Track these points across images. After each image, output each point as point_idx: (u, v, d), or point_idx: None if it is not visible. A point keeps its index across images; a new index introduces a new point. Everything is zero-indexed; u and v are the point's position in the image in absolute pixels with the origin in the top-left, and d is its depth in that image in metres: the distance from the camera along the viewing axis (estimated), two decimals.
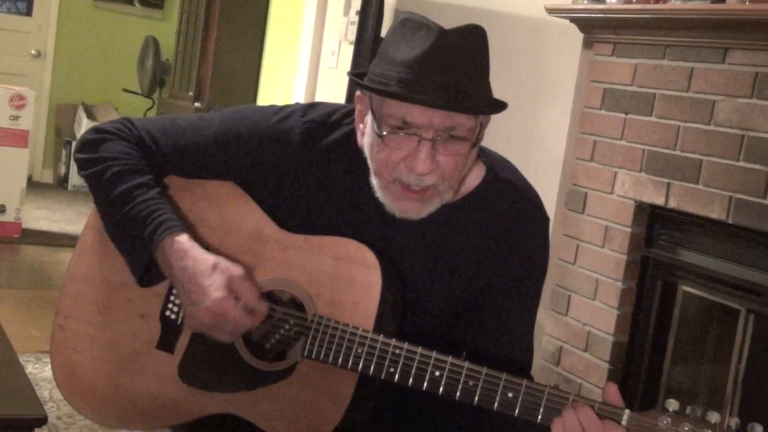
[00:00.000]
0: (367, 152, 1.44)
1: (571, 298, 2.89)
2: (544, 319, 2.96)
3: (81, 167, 1.59)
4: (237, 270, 1.45)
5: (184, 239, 1.47)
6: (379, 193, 1.44)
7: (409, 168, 1.37)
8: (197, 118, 1.60)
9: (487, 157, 1.53)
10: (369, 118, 1.42)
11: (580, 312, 2.85)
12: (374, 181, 1.44)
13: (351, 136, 1.50)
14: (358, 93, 1.46)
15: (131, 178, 1.52)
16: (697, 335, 2.69)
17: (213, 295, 1.41)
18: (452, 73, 1.32)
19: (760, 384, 2.45)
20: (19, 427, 1.63)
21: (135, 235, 1.49)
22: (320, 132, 1.52)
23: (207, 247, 1.52)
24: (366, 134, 1.44)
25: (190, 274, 1.44)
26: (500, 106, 1.40)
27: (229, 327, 1.43)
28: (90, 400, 1.59)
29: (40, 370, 3.14)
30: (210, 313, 1.42)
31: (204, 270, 1.43)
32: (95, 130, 1.59)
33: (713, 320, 2.65)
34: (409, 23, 1.37)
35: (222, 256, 1.49)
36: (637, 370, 2.75)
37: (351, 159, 1.49)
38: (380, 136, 1.38)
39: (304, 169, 1.52)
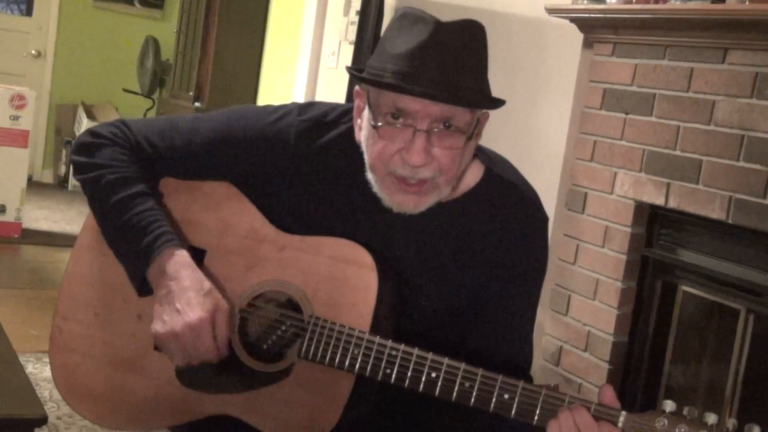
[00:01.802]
0: (363, 146, 1.44)
1: (571, 298, 2.88)
2: (544, 319, 2.96)
3: (76, 171, 1.59)
4: (225, 305, 1.45)
5: (184, 254, 1.47)
6: (375, 188, 1.44)
7: (403, 160, 1.37)
8: (193, 118, 1.59)
9: (485, 156, 1.53)
10: (366, 111, 1.42)
11: (580, 312, 2.85)
12: (370, 175, 1.44)
13: (348, 135, 1.50)
14: (356, 88, 1.46)
15: (127, 187, 1.52)
16: (697, 335, 2.69)
17: (199, 312, 1.41)
18: (447, 65, 1.32)
19: (760, 384, 2.45)
20: (19, 427, 1.63)
21: (133, 246, 1.49)
22: (317, 131, 1.52)
23: (202, 256, 1.53)
24: (363, 128, 1.44)
25: (184, 286, 1.43)
26: (496, 102, 1.40)
27: (194, 349, 1.42)
28: (88, 400, 1.59)
29: (40, 370, 3.14)
30: (188, 326, 1.41)
31: (198, 288, 1.43)
32: (91, 133, 1.59)
33: (713, 320, 2.65)
34: (407, 17, 1.37)
35: (216, 270, 1.49)
36: (637, 370, 2.75)
37: (348, 157, 1.49)
38: (375, 127, 1.38)
39: (301, 168, 1.51)
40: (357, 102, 1.47)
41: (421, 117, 1.35)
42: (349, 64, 4.12)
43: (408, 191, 1.40)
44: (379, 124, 1.37)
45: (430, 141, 1.36)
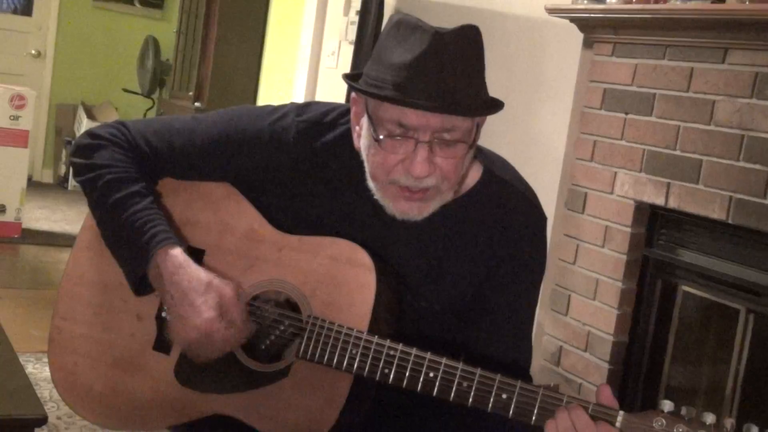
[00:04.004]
0: (363, 155, 1.44)
1: (571, 298, 2.88)
2: (544, 319, 2.96)
3: (75, 172, 1.59)
4: (228, 290, 1.44)
5: (177, 253, 1.46)
6: (377, 195, 1.43)
7: (406, 171, 1.37)
8: (192, 119, 1.59)
9: (484, 156, 1.53)
10: (365, 120, 1.41)
11: (580, 312, 2.85)
12: (371, 184, 1.43)
13: (347, 136, 1.50)
14: (353, 95, 1.46)
15: (125, 186, 1.52)
16: (697, 335, 2.69)
17: (204, 314, 1.41)
18: (447, 75, 1.32)
19: (759, 384, 2.45)
20: (19, 427, 1.63)
21: (129, 246, 1.49)
22: (315, 132, 1.52)
23: (200, 256, 1.53)
24: (362, 137, 1.43)
25: (183, 290, 1.43)
26: (496, 105, 1.40)
27: (213, 347, 1.43)
28: (87, 400, 1.59)
29: (40, 370, 3.14)
30: (198, 331, 1.41)
31: (197, 287, 1.43)
32: (90, 134, 1.59)
33: (713, 320, 2.64)
34: (403, 25, 1.36)
35: (214, 271, 1.49)
36: (637, 370, 2.75)
37: (347, 159, 1.49)
38: (377, 140, 1.37)
39: (300, 169, 1.51)
40: (354, 109, 1.46)
41: (423, 129, 1.34)
42: (349, 63, 4.12)
43: (411, 199, 1.40)
44: (381, 137, 1.37)
45: (432, 150, 1.36)
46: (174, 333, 1.45)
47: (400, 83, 1.32)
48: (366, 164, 1.43)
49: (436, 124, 1.34)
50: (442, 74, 1.32)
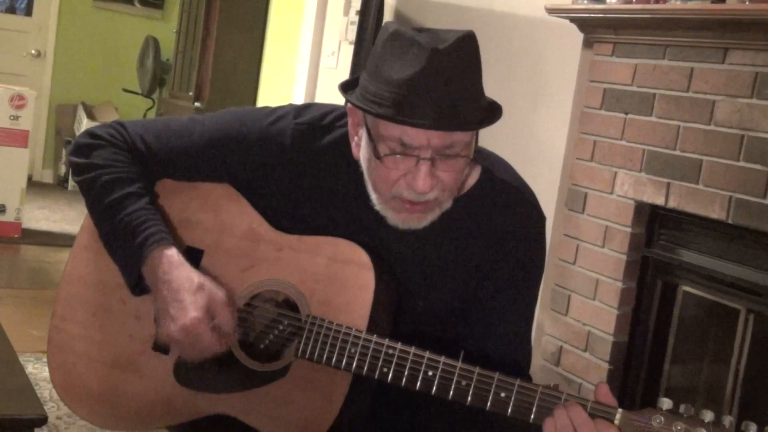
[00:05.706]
0: (363, 166, 1.43)
1: (571, 298, 2.88)
2: (544, 319, 2.96)
3: (74, 171, 1.60)
4: (220, 294, 1.44)
5: (173, 253, 1.47)
6: (378, 207, 1.43)
7: (408, 186, 1.37)
8: (190, 120, 1.59)
9: (483, 156, 1.53)
10: (364, 133, 1.41)
11: (580, 312, 2.85)
12: (373, 195, 1.43)
13: (345, 139, 1.49)
14: (350, 105, 1.44)
15: (121, 187, 1.52)
16: (697, 335, 2.69)
17: (191, 313, 1.41)
18: (447, 91, 1.30)
19: (760, 384, 2.44)
20: (19, 427, 1.63)
21: (125, 247, 1.50)
22: (313, 134, 1.51)
23: (199, 256, 1.53)
24: (361, 149, 1.43)
25: (174, 289, 1.43)
26: (496, 112, 1.39)
27: (197, 348, 1.43)
28: (86, 400, 1.59)
29: (40, 370, 3.14)
30: (184, 330, 1.41)
31: (188, 287, 1.43)
32: (89, 134, 1.59)
33: (713, 320, 2.64)
34: (399, 38, 1.34)
35: (214, 270, 1.50)
36: (637, 370, 2.75)
37: (345, 163, 1.49)
38: (378, 157, 1.37)
39: (298, 171, 1.51)
40: (352, 119, 1.45)
41: (424, 147, 1.34)
42: (349, 63, 4.12)
43: (413, 210, 1.40)
44: (382, 154, 1.36)
45: (434, 165, 1.36)
46: (162, 329, 1.45)
47: (400, 101, 1.30)
48: (367, 176, 1.43)
49: (438, 141, 1.34)
50: (443, 91, 1.30)
